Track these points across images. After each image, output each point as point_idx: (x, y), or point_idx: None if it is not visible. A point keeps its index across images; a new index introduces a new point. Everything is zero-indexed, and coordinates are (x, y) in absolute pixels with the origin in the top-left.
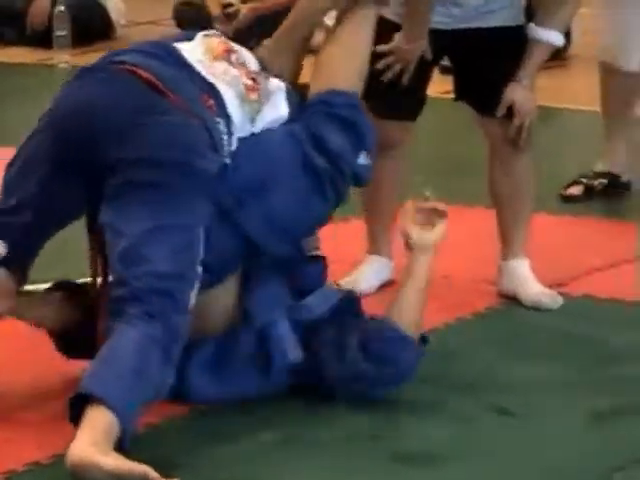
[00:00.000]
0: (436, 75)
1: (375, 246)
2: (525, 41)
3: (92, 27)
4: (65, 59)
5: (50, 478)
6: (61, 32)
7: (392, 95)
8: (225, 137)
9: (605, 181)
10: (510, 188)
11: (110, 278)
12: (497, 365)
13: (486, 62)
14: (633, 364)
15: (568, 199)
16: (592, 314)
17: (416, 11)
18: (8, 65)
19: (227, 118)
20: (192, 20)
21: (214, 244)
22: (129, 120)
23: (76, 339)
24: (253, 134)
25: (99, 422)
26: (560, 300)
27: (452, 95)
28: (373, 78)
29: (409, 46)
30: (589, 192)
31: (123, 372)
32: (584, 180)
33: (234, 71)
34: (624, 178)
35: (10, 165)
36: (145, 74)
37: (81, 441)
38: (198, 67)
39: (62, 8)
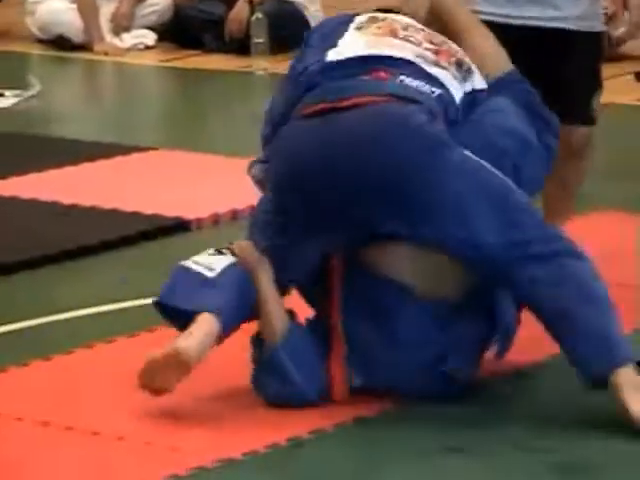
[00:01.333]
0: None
1: None
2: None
3: (290, 34)
4: (263, 66)
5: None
6: (259, 39)
7: None
8: (436, 93)
9: None
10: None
11: None
12: None
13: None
14: None
15: None
16: None
17: None
18: (208, 72)
19: (430, 78)
20: None
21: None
22: (370, 159)
23: None
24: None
25: None
26: None
27: None
28: None
29: None
30: None
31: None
32: None
33: (409, 45)
34: None
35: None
36: (345, 103)
37: None
38: (374, 51)
39: (260, 15)
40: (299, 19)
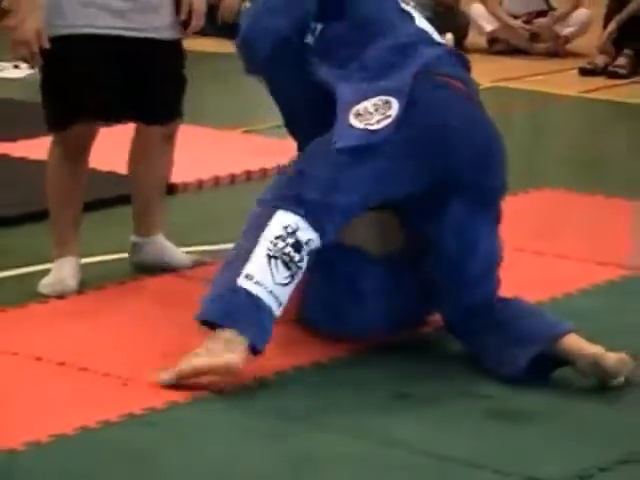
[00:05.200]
0: (574, 76)
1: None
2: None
3: None
4: None
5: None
6: None
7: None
8: None
9: None
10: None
11: None
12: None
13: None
14: None
15: None
16: None
17: None
18: (201, 53)
19: None
20: None
21: None
22: (479, 148)
23: None
24: None
25: None
26: None
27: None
28: None
29: None
30: None
31: None
32: None
33: None
34: None
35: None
36: (458, 85)
37: None
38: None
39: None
40: None
